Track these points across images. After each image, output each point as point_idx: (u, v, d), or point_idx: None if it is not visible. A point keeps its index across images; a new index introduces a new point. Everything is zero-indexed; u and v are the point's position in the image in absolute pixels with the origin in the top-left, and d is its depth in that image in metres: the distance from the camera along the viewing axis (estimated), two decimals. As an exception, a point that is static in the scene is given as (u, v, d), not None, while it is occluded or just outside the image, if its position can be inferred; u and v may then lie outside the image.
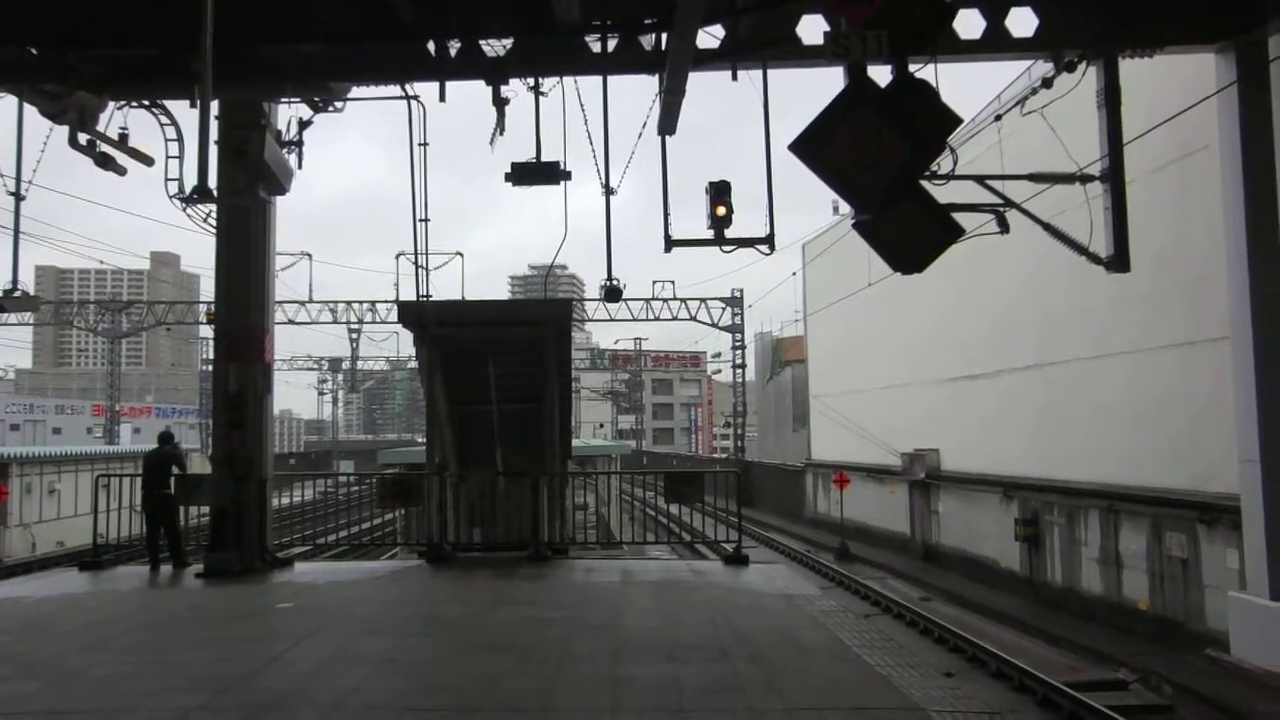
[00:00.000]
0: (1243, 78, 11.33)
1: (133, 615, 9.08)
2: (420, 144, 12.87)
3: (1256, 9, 11.10)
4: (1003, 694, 11.51)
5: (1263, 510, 11.36)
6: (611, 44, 10.93)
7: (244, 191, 11.50)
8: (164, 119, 12.00)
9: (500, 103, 11.32)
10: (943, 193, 9.88)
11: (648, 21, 10.61)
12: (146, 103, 11.73)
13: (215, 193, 10.33)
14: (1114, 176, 11.40)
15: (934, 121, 7.96)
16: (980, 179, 11.62)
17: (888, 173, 7.86)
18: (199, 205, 10.88)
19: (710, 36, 10.62)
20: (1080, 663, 13.82)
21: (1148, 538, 15.51)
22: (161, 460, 11.88)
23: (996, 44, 11.04)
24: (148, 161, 12.09)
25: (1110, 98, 11.38)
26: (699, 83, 11.05)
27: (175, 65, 10.38)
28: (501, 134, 11.66)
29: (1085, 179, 11.58)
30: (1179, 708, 11.61)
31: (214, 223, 11.62)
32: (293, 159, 12.57)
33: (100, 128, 11.62)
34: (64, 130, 11.45)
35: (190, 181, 10.50)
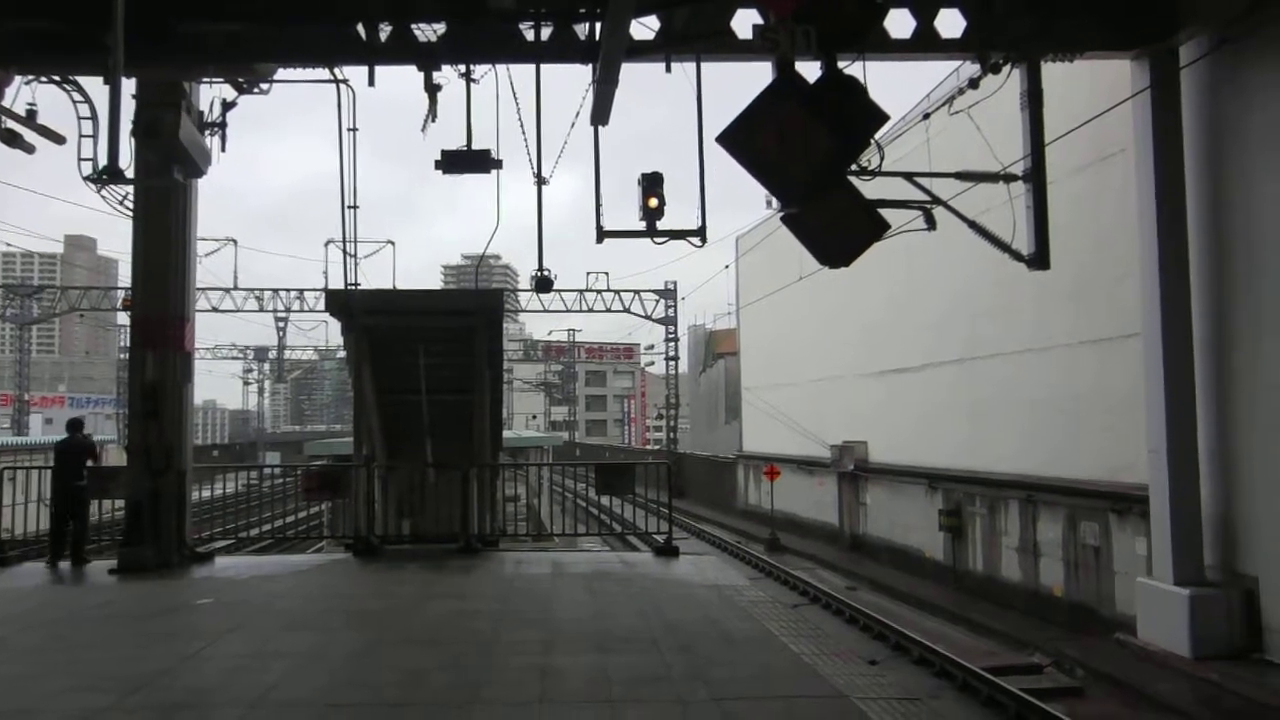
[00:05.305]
0: (1156, 84, 11.75)
1: (38, 612, 8.73)
2: (349, 129, 12.71)
3: (1170, 18, 11.51)
4: (924, 680, 11.80)
5: (1168, 498, 11.81)
6: (545, 32, 10.81)
7: (159, 173, 11.10)
8: (77, 96, 11.51)
9: (432, 89, 11.14)
10: (871, 189, 10.02)
11: (581, 10, 10.53)
12: (57, 78, 11.23)
13: (128, 174, 9.96)
14: (1035, 176, 11.71)
15: (861, 117, 8.07)
16: (908, 175, 11.80)
17: (813, 166, 7.96)
18: (113, 187, 10.47)
19: (645, 28, 10.58)
20: (998, 648, 14.27)
21: (1064, 527, 16.05)
22: (74, 450, 11.43)
23: (925, 44, 11.20)
24: (58, 140, 11.58)
25: (1033, 100, 11.67)
26: (642, 81, 11.04)
27: (87, 40, 9.93)
28: (433, 120, 11.49)
29: (1009, 178, 11.88)
30: (1088, 689, 12.06)
31: (130, 205, 11.20)
32: (216, 141, 12.17)
33: (6, 103, 11.09)
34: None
35: (104, 162, 10.11)
